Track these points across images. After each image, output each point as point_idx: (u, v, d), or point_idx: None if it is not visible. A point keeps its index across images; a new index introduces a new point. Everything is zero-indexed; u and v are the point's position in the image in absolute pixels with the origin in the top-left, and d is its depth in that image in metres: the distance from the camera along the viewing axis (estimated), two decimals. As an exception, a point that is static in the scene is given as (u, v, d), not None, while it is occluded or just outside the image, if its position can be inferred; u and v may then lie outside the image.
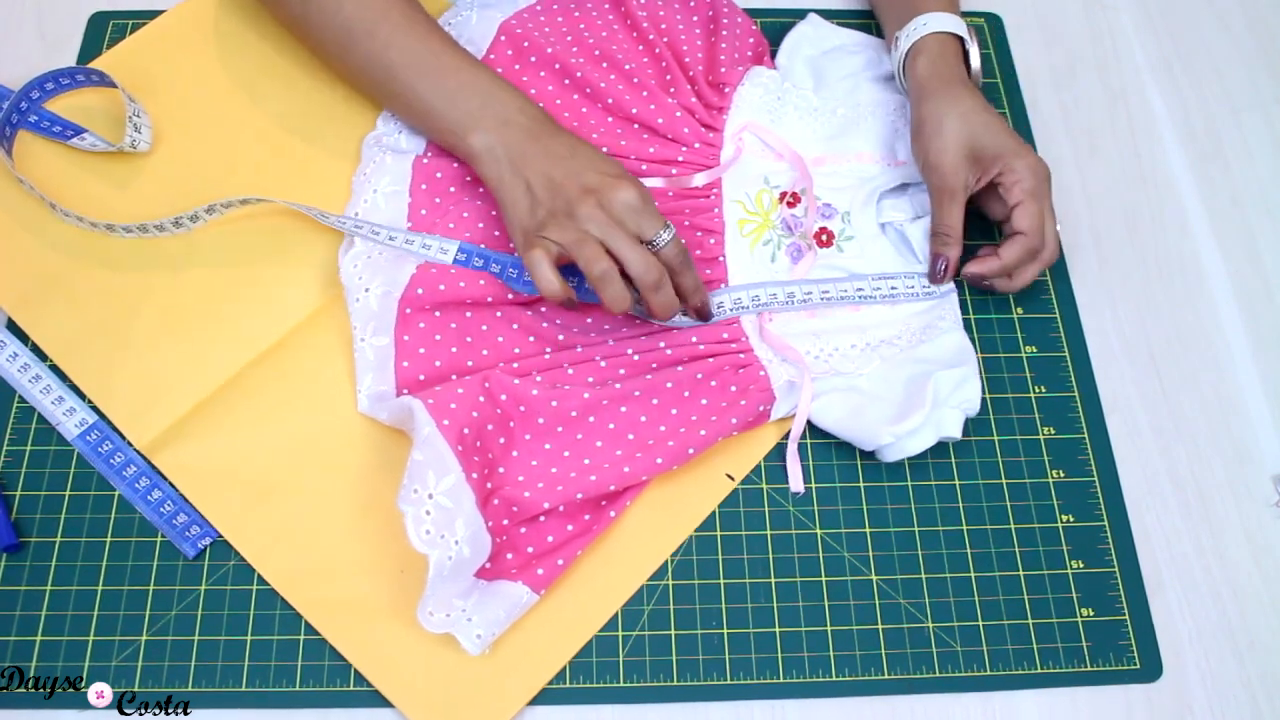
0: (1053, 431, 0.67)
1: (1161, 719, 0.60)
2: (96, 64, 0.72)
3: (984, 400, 0.67)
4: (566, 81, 0.73)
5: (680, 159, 0.70)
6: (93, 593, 0.59)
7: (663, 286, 0.61)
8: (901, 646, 0.60)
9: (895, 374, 0.65)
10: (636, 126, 0.71)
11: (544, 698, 0.58)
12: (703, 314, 0.64)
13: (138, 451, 0.62)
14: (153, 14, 0.76)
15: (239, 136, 0.71)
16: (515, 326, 0.64)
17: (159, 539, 0.61)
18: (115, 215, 0.68)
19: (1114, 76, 0.81)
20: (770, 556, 0.62)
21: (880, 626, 0.61)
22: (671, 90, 0.72)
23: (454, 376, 0.62)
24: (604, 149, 0.70)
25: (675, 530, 0.62)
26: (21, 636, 0.58)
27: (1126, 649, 0.61)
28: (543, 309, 0.65)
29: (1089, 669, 0.60)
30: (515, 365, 0.63)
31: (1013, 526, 0.64)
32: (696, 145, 0.71)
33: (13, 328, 0.65)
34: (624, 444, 0.61)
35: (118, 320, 0.65)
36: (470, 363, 0.63)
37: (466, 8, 0.76)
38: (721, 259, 0.68)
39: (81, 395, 0.64)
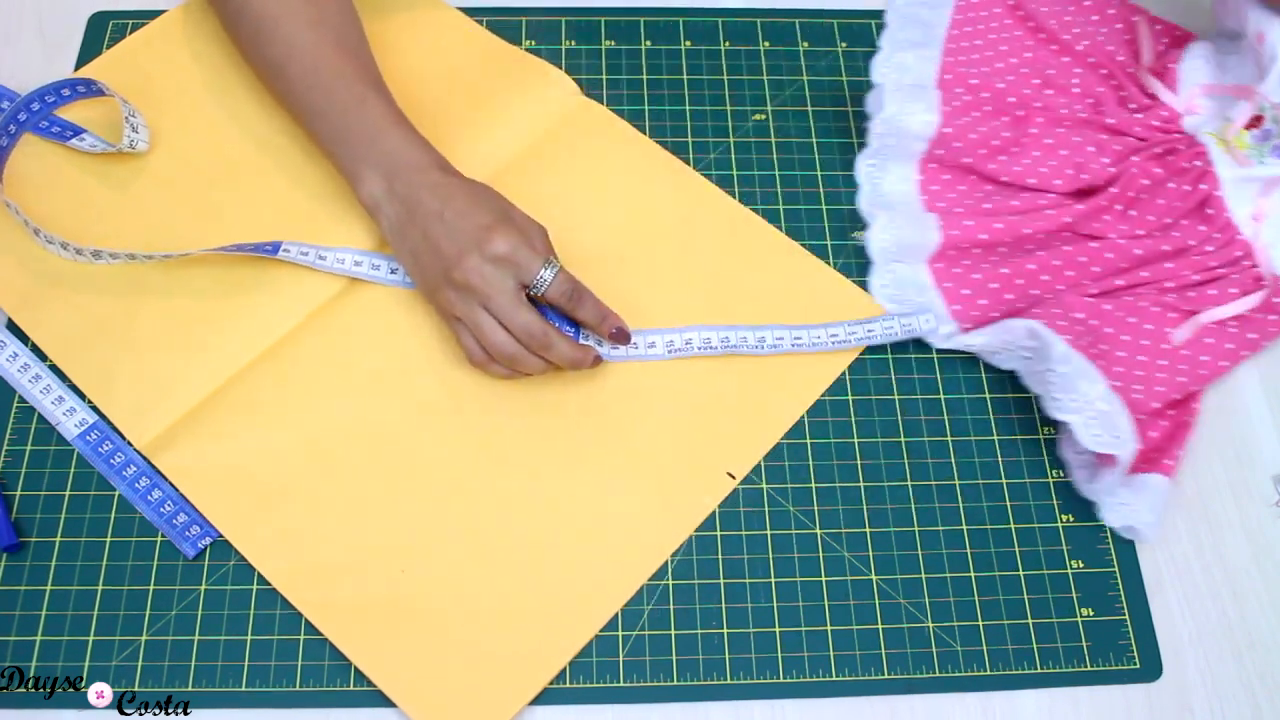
0: (1053, 431, 0.67)
1: (1161, 719, 0.60)
2: (95, 65, 0.72)
3: (984, 401, 0.67)
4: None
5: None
6: (93, 593, 0.59)
7: (552, 345, 0.61)
8: (901, 646, 0.60)
9: None
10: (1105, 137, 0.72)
11: (544, 698, 0.58)
12: (620, 337, 0.64)
13: (138, 451, 0.62)
14: (153, 14, 0.76)
15: (239, 138, 0.71)
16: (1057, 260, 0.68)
17: (159, 539, 0.61)
18: (117, 215, 0.68)
19: (1114, 77, 0.81)
20: (770, 556, 0.62)
21: (880, 626, 0.61)
22: (1122, 93, 0.73)
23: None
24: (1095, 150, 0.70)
25: (675, 530, 0.62)
26: (21, 636, 0.58)
27: (1126, 649, 0.61)
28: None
29: (1089, 669, 0.60)
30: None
31: (1013, 526, 0.64)
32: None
33: (13, 328, 0.66)
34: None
35: (118, 320, 0.65)
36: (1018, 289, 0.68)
37: None
38: (1218, 193, 0.69)
39: (81, 395, 0.64)
